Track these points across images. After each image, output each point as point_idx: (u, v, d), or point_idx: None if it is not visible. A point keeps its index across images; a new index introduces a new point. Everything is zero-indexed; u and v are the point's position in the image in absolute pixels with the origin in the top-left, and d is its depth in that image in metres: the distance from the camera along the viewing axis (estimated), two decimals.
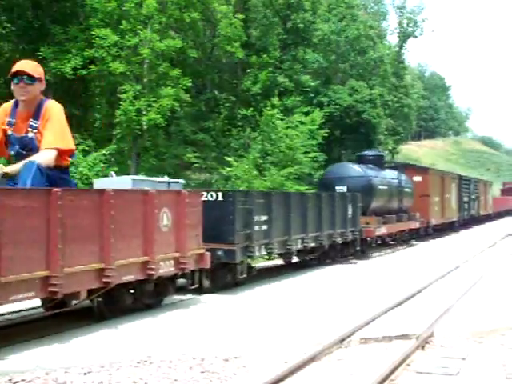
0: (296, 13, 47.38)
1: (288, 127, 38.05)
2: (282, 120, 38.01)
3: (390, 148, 76.78)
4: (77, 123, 34.64)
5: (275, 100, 38.85)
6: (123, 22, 31.28)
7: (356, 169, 27.46)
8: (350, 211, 23.64)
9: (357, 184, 26.34)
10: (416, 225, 33.36)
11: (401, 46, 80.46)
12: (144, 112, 30.95)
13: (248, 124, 40.69)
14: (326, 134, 41.67)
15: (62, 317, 12.21)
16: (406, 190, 32.32)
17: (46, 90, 30.90)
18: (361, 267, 22.95)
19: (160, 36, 31.91)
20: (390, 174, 30.82)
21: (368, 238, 26.34)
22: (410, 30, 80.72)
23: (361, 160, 30.12)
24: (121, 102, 30.75)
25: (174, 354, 9.96)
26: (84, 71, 31.27)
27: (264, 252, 17.47)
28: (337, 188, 26.09)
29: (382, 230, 27.66)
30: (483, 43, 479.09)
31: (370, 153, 31.61)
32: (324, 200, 21.54)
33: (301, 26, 47.66)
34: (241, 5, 45.10)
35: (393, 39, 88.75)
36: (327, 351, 10.21)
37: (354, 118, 49.86)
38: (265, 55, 42.55)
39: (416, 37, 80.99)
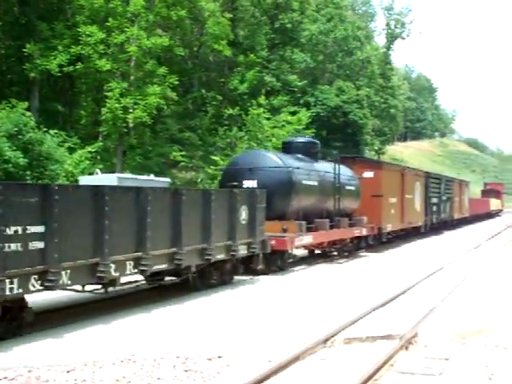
0: (284, 13, 47.41)
1: (274, 127, 38.03)
2: (268, 119, 37.99)
3: (376, 148, 77.05)
4: (63, 120, 34.52)
5: (262, 99, 38.84)
6: (110, 19, 31.17)
7: (272, 158, 21.10)
8: (243, 216, 17.32)
9: (272, 177, 20.33)
10: (362, 232, 26.73)
11: (388, 47, 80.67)
12: (130, 110, 30.85)
13: (235, 123, 40.64)
14: (313, 134, 41.68)
15: (43, 314, 12.17)
16: (349, 187, 25.94)
17: (33, 87, 30.82)
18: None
19: (147, 34, 31.82)
20: (325, 167, 24.20)
21: (288, 250, 20.16)
22: (397, 31, 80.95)
23: (287, 148, 24.01)
24: (107, 100, 30.64)
25: (157, 352, 9.93)
26: (70, 68, 31.13)
27: None
28: (245, 182, 20.46)
29: (306, 240, 21.28)
30: (469, 45, 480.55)
31: (298, 139, 25.32)
32: (188, 200, 14.74)
33: (289, 25, 47.68)
34: (229, 4, 45.05)
35: (380, 40, 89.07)
36: (311, 351, 10.20)
37: (340, 118, 49.97)
38: (252, 54, 42.53)
39: (403, 38, 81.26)
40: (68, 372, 8.91)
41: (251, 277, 18.67)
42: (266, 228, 18.80)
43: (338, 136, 51.06)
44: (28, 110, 27.30)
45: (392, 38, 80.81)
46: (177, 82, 33.98)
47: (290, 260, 20.84)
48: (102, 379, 8.64)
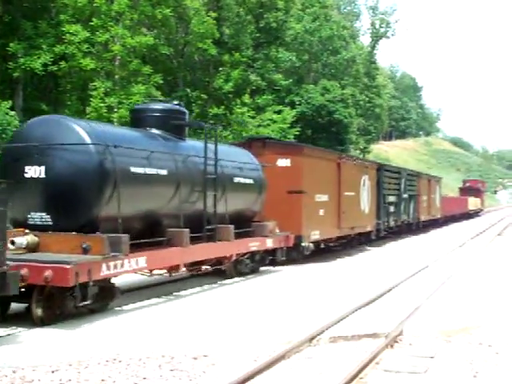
0: (269, 12, 47.41)
1: (259, 125, 38.05)
2: (253, 118, 38.00)
3: (361, 147, 77.29)
4: None
5: (246, 98, 38.83)
6: (94, 18, 31.07)
7: (75, 130, 13.20)
8: None
9: (70, 162, 12.92)
10: (265, 244, 19.19)
11: (373, 47, 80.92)
12: (115, 109, 30.77)
13: (219, 122, 40.61)
14: (298, 133, 41.74)
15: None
16: (242, 180, 18.62)
17: (16, 86, 30.63)
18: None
19: (131, 32, 31.75)
20: (196, 149, 16.75)
21: (74, 286, 11.65)
22: (382, 30, 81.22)
23: (136, 120, 16.63)
24: (91, 99, 30.54)
25: (142, 351, 9.91)
26: (54, 67, 31.01)
27: None
28: (28, 170, 13.09)
29: (130, 265, 13.19)
30: (454, 45, 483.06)
31: (153, 105, 17.40)
32: None
33: (274, 25, 47.70)
34: (214, 2, 45.00)
35: (365, 40, 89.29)
36: (296, 349, 10.21)
37: (325, 117, 50.05)
38: (237, 53, 42.52)
39: (388, 37, 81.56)
40: (53, 372, 8.87)
41: None
42: (51, 245, 12.55)
43: (323, 135, 51.15)
44: (12, 109, 27.16)
45: (377, 37, 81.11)
46: (161, 81, 33.94)
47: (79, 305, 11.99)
48: (88, 379, 8.61)
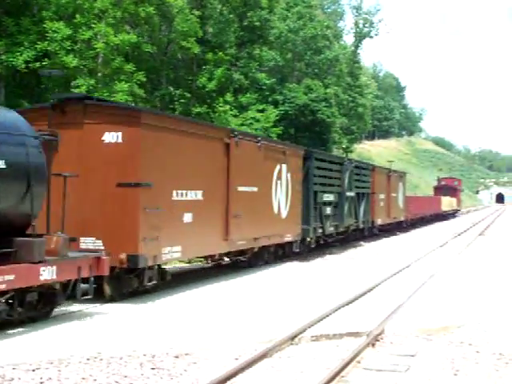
0: (252, 10, 47.35)
1: (242, 124, 38.02)
2: (235, 117, 37.96)
3: (344, 147, 77.38)
4: None
5: (228, 96, 38.77)
6: (77, 15, 30.91)
7: None
8: None
9: None
10: (35, 277, 11.24)
11: (356, 46, 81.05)
12: None
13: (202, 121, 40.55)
14: (281, 132, 41.74)
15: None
16: None
17: None
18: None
19: (114, 30, 31.61)
20: None
21: None
22: (365, 30, 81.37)
23: None
24: None
25: (124, 350, 9.88)
26: (37, 64, 30.81)
27: None
28: None
29: None
30: (437, 45, 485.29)
31: None
32: None
33: (257, 23, 47.65)
34: (197, 1, 44.88)
35: (349, 39, 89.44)
36: (278, 348, 10.22)
37: (308, 116, 50.05)
38: (221, 52, 42.43)
39: (372, 37, 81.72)
40: (33, 371, 8.83)
41: None
42: None
43: (306, 134, 51.14)
44: None
45: (360, 37, 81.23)
46: (145, 79, 33.78)
47: None
48: (68, 377, 8.58)
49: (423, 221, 53.30)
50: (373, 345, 10.65)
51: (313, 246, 25.86)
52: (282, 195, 21.78)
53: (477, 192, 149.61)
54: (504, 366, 9.61)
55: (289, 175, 22.34)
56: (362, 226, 32.02)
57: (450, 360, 9.88)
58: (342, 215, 28.25)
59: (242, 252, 19.56)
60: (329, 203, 26.74)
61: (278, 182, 21.43)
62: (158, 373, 8.89)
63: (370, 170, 34.58)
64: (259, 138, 20.83)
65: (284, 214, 21.99)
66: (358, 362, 9.62)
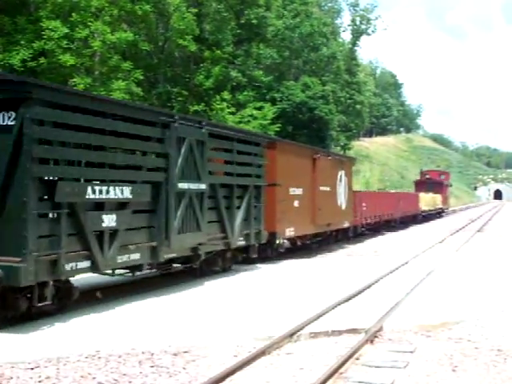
0: (250, 8, 47.31)
1: (240, 122, 37.99)
2: (233, 114, 37.93)
3: (342, 144, 77.39)
4: None
5: (225, 94, 38.75)
6: (73, 13, 30.87)
7: None
8: None
9: None
10: None
11: (354, 43, 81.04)
12: None
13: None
14: (278, 129, 41.71)
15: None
16: None
17: None
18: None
19: (111, 28, 31.57)
20: None
21: None
22: (362, 27, 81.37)
23: None
24: None
25: (122, 347, 9.87)
26: (34, 63, 30.78)
27: None
28: None
29: None
30: (434, 41, 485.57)
31: None
32: None
33: (254, 21, 47.61)
34: None
35: (346, 36, 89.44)
36: (277, 345, 10.22)
37: (306, 114, 50.04)
38: (218, 50, 42.41)
39: (369, 34, 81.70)
40: (32, 369, 8.83)
41: None
42: None
43: (304, 132, 51.16)
44: None
45: (357, 34, 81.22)
46: (142, 78, 33.77)
47: None
48: (67, 375, 8.58)
49: (389, 225, 40.19)
50: (371, 341, 10.66)
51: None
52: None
53: (475, 188, 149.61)
54: (503, 362, 9.61)
55: None
56: (240, 244, 19.01)
57: (449, 356, 9.89)
58: (161, 229, 14.67)
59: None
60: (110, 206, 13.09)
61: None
62: (157, 371, 8.89)
63: (261, 146, 20.33)
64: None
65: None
66: (357, 359, 9.62)
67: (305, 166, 24.46)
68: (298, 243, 25.22)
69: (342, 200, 28.79)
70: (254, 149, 19.86)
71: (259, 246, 20.30)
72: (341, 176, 28.79)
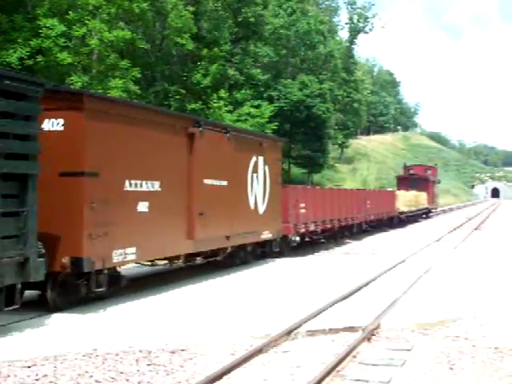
0: (247, 6, 47.29)
1: (237, 120, 37.97)
2: (230, 112, 37.90)
3: (339, 142, 77.48)
4: None
5: (222, 92, 38.74)
6: (71, 12, 30.83)
7: None
8: None
9: None
10: None
11: (351, 42, 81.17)
12: None
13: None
14: (276, 127, 41.71)
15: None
16: None
17: None
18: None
19: (109, 27, 31.53)
20: None
21: None
22: (360, 25, 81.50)
23: None
24: None
25: (119, 346, 9.86)
26: (31, 61, 30.74)
27: None
28: None
29: None
30: (431, 39, 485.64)
31: None
32: None
33: (252, 19, 47.60)
34: None
35: (344, 34, 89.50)
36: (274, 343, 10.22)
37: (304, 112, 50.09)
38: (216, 48, 42.39)
39: (366, 32, 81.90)
40: (29, 367, 8.83)
41: None
42: None
43: (302, 130, 51.23)
44: None
45: (355, 32, 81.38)
46: (139, 76, 33.73)
47: None
48: (64, 374, 8.57)
49: (352, 232, 32.43)
50: (369, 339, 10.66)
51: None
52: None
53: (472, 187, 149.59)
54: (500, 360, 9.62)
55: None
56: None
57: (446, 354, 9.89)
58: None
59: None
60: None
61: None
62: (154, 369, 8.89)
63: (33, 100, 11.40)
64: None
65: None
66: (354, 357, 9.63)
67: (168, 146, 15.50)
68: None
69: (258, 200, 20.48)
70: (14, 104, 10.99)
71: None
72: (256, 164, 20.39)
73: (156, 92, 41.45)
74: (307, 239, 27.67)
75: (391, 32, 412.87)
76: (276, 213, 21.86)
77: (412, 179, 54.80)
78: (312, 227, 25.97)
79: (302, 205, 24.83)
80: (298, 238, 26.15)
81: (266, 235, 21.10)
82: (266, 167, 21.02)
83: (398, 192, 43.73)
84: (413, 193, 48.06)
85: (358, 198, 33.18)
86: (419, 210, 49.49)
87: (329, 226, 28.05)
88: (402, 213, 42.04)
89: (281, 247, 22.92)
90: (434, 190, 58.19)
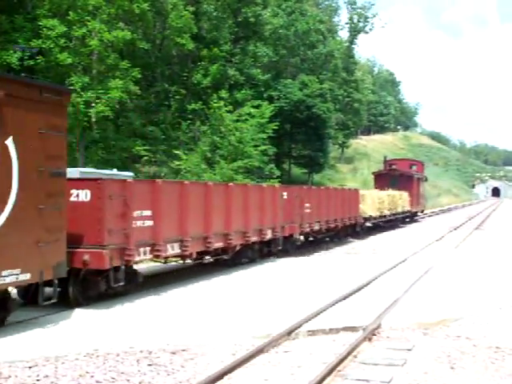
0: (247, 6, 47.28)
1: (238, 120, 37.93)
2: (230, 112, 37.87)
3: (340, 142, 77.44)
4: None
5: (222, 93, 38.72)
6: (71, 12, 30.80)
7: None
8: None
9: None
10: None
11: (351, 41, 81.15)
12: (92, 104, 30.54)
13: (198, 117, 40.46)
14: (276, 127, 41.67)
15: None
16: None
17: None
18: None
19: (109, 27, 31.49)
20: None
21: None
22: (360, 25, 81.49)
23: None
24: None
25: (120, 346, 9.85)
26: (31, 62, 30.71)
27: None
28: None
29: None
30: (431, 39, 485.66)
31: None
32: None
33: (252, 19, 47.59)
34: None
35: (344, 34, 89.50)
36: (275, 343, 10.21)
37: (304, 112, 49.99)
38: (216, 48, 42.38)
39: (366, 32, 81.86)
40: (30, 368, 8.82)
41: None
42: None
43: (302, 130, 51.16)
44: None
45: (355, 32, 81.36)
46: (139, 76, 33.71)
47: None
48: (65, 374, 8.56)
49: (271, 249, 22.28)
50: (369, 339, 10.65)
51: None
52: None
53: (472, 186, 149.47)
54: (501, 360, 9.61)
55: None
56: None
57: (447, 354, 9.89)
58: None
59: None
60: None
61: None
62: (155, 369, 8.88)
63: None
64: None
65: None
66: (355, 357, 9.62)
67: None
68: None
69: None
70: None
71: None
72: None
73: (156, 92, 41.47)
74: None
75: (391, 32, 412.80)
76: (38, 230, 11.34)
77: (392, 176, 45.00)
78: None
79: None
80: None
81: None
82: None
83: (363, 192, 33.99)
84: (387, 192, 38.76)
85: (262, 197, 20.85)
86: (397, 214, 40.28)
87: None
88: (367, 219, 33.26)
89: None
90: (419, 190, 48.62)
